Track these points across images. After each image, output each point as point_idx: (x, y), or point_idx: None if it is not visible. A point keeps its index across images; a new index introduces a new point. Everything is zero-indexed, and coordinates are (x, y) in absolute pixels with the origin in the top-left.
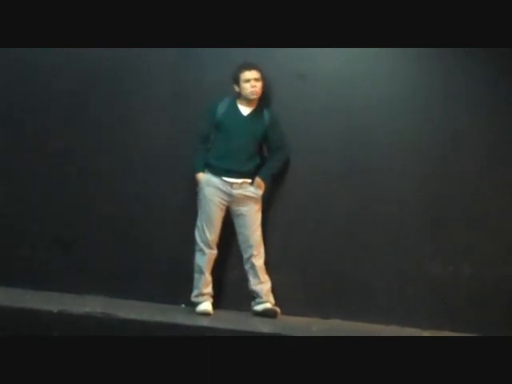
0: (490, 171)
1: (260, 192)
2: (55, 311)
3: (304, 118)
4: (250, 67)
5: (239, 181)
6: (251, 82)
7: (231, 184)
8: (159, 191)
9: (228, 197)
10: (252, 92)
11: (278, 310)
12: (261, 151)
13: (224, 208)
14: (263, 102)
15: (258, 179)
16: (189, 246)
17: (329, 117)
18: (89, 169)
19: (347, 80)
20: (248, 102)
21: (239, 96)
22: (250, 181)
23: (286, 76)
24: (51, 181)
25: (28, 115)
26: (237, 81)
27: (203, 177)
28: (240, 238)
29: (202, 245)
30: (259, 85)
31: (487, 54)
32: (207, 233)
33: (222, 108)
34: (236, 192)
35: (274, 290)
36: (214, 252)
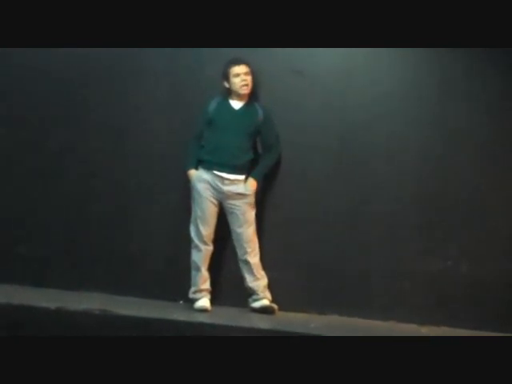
0: (489, 169)
1: (251, 191)
2: (53, 308)
3: (301, 115)
4: (238, 62)
5: (231, 177)
6: (241, 76)
7: (222, 180)
8: (158, 189)
9: (218, 193)
10: (242, 86)
11: (275, 306)
12: (255, 147)
13: (217, 203)
14: (256, 97)
15: (250, 179)
16: (186, 243)
17: (326, 113)
18: (87, 167)
19: (344, 77)
20: (239, 96)
21: (230, 92)
22: (242, 178)
23: (282, 72)
24: (50, 179)
25: (28, 115)
26: (226, 76)
27: (194, 173)
28: (233, 235)
29: (197, 241)
30: (249, 79)
31: (486, 53)
32: (202, 229)
33: (213, 105)
34: (226, 189)
35: (272, 287)
36: (210, 248)
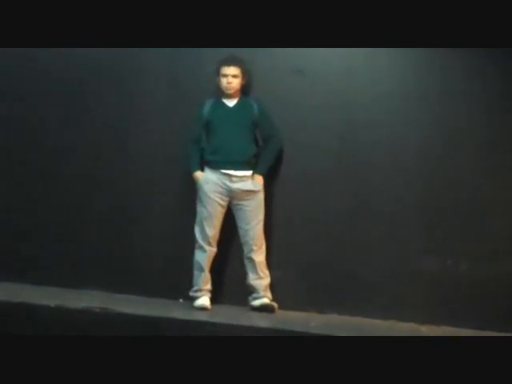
0: (489, 169)
1: (260, 186)
2: (53, 306)
3: (301, 114)
4: (229, 63)
5: (238, 173)
6: (228, 78)
7: (230, 177)
8: (158, 188)
9: (228, 192)
10: (226, 87)
11: (275, 305)
12: (257, 141)
13: (225, 204)
14: (250, 93)
15: (255, 175)
16: (187, 241)
17: (326, 113)
18: (87, 167)
19: (344, 76)
20: (230, 95)
21: (221, 91)
22: (249, 174)
23: (283, 72)
24: (50, 178)
25: (28, 115)
26: (217, 73)
27: (200, 175)
28: (240, 232)
29: (201, 242)
30: (236, 81)
31: (486, 53)
32: (207, 230)
33: (207, 107)
34: (235, 186)
35: (272, 285)
36: (214, 249)
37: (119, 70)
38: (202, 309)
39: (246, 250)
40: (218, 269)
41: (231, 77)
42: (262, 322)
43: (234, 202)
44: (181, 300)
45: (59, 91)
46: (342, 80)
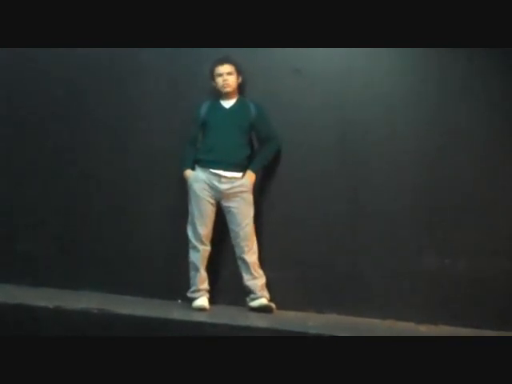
0: (489, 168)
1: (249, 185)
2: (51, 307)
3: (300, 114)
4: (222, 62)
5: (228, 174)
6: (223, 76)
7: (219, 178)
8: (158, 188)
9: (216, 193)
10: (223, 85)
11: (273, 305)
12: (251, 143)
13: (214, 203)
14: (248, 93)
15: (248, 172)
16: (185, 242)
17: (326, 113)
18: (87, 167)
19: (344, 76)
20: (227, 95)
21: (219, 92)
22: (239, 175)
23: (282, 72)
24: (49, 178)
25: (28, 115)
26: (212, 76)
27: (191, 173)
28: (231, 234)
29: (194, 241)
30: (231, 78)
31: (486, 53)
32: (199, 229)
33: (204, 108)
34: (223, 187)
35: (270, 285)
36: (208, 248)
37: (119, 70)
38: (201, 309)
39: (237, 251)
40: (216, 269)
41: (226, 74)
42: (260, 322)
43: (223, 202)
44: (179, 301)
45: (59, 91)
46: (342, 80)
